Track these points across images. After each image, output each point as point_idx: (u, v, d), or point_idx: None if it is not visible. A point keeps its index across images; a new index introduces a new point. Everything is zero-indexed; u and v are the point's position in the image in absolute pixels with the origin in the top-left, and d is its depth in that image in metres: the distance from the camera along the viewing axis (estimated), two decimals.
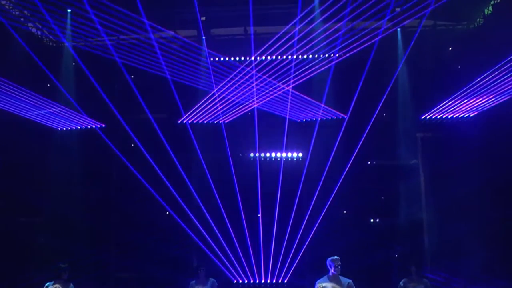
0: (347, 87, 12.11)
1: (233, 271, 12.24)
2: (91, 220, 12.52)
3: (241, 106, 12.76)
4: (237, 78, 12.45)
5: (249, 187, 12.33)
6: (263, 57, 12.32)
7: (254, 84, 12.22)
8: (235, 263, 12.24)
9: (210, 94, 12.55)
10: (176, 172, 12.43)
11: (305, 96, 12.44)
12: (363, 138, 11.97)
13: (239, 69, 12.34)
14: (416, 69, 12.32)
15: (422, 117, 12.65)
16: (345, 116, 12.21)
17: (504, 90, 11.06)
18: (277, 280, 12.17)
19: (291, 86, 12.11)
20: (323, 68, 12.16)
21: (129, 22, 12.12)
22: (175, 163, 12.49)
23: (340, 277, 7.97)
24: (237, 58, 12.90)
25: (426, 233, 12.56)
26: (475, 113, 12.15)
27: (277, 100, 12.50)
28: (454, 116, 12.49)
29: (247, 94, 12.47)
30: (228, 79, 12.44)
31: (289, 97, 12.19)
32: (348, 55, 12.03)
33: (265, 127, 12.48)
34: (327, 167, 12.08)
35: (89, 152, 13.31)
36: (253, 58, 12.11)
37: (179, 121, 12.78)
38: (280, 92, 12.37)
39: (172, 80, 12.20)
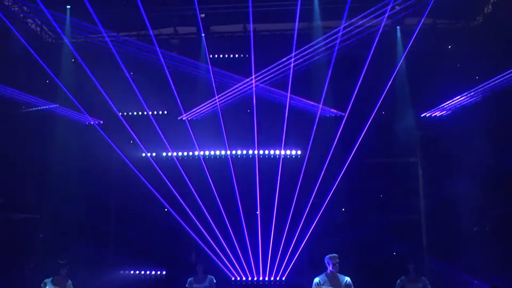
0: (346, 84, 12.09)
1: (231, 268, 12.25)
2: (90, 216, 12.51)
3: (240, 102, 12.80)
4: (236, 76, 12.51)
5: (247, 184, 12.32)
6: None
7: (253, 81, 12.22)
8: (234, 260, 12.25)
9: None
10: (174, 169, 12.44)
11: (304, 94, 12.47)
12: (361, 136, 11.98)
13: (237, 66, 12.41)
14: (415, 67, 12.31)
15: (422, 115, 12.66)
16: (344, 114, 12.21)
17: (503, 88, 11.08)
18: (275, 278, 12.19)
19: (290, 84, 12.10)
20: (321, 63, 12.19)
21: (128, 19, 12.15)
22: (173, 160, 12.50)
23: (338, 274, 7.97)
24: (236, 56, 12.92)
25: (424, 231, 12.59)
26: (475, 111, 12.15)
27: (276, 98, 12.52)
28: (454, 114, 12.49)
29: (246, 91, 12.49)
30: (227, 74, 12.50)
31: (288, 95, 12.19)
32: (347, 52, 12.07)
33: (264, 124, 12.46)
34: (326, 165, 12.08)
35: (87, 148, 13.31)
36: (252, 56, 12.11)
37: (178, 118, 12.77)
38: (278, 90, 12.41)
39: (171, 77, 12.20)
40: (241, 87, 12.46)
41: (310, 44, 12.04)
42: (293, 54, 11.96)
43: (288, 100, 12.23)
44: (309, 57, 12.34)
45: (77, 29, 12.23)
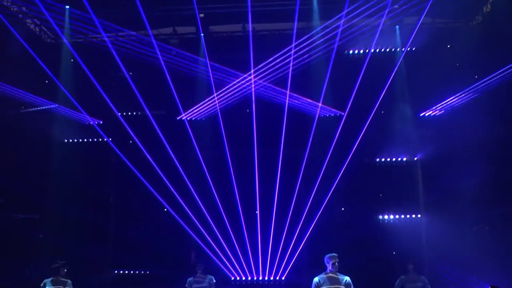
0: (346, 84, 12.09)
1: (231, 268, 12.26)
2: (90, 216, 12.52)
3: (239, 103, 12.81)
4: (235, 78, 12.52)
5: (247, 184, 12.33)
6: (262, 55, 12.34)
7: (252, 81, 12.23)
8: (233, 260, 12.26)
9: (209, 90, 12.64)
10: (174, 168, 12.44)
11: (303, 93, 12.48)
12: (361, 135, 11.99)
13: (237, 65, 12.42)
14: (414, 67, 12.31)
15: (421, 114, 12.66)
16: (343, 113, 12.22)
17: (502, 86, 11.08)
18: (274, 277, 12.20)
19: (289, 82, 12.11)
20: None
21: (128, 18, 12.15)
22: (173, 160, 12.50)
23: (337, 274, 7.98)
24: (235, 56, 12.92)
25: (424, 230, 12.60)
26: (474, 109, 12.15)
27: (276, 98, 12.53)
28: (453, 114, 12.49)
29: (245, 90, 12.50)
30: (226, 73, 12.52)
31: (287, 94, 12.20)
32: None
33: (264, 124, 12.46)
34: (325, 164, 12.08)
35: (87, 148, 13.34)
36: (251, 55, 12.11)
37: (177, 118, 12.77)
38: (278, 89, 12.43)
39: (171, 77, 12.21)
40: (240, 86, 12.46)
41: (309, 41, 12.06)
42: (292, 52, 11.95)
43: (287, 99, 12.24)
44: (308, 56, 12.36)
45: (76, 29, 12.24)
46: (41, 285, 8.92)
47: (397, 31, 12.38)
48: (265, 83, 12.36)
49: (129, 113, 13.35)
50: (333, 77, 12.01)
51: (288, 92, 12.16)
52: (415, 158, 12.91)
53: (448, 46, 12.68)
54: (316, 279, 7.97)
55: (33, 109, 12.10)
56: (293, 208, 12.15)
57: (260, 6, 11.78)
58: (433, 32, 12.22)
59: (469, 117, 11.94)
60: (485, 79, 11.05)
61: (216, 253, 12.21)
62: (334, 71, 11.97)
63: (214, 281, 9.97)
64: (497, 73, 10.66)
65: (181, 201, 12.29)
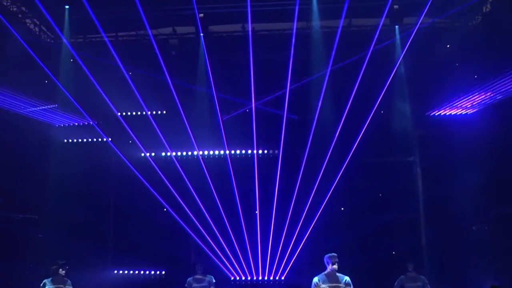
0: (345, 84, 12.09)
1: (230, 268, 12.26)
2: (90, 216, 12.53)
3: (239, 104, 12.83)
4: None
5: (246, 183, 12.33)
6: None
7: (251, 81, 12.24)
8: (233, 260, 12.26)
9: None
10: (173, 169, 12.44)
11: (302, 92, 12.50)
12: (360, 135, 11.98)
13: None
14: (414, 67, 12.30)
15: (420, 114, 12.65)
16: (343, 113, 12.22)
17: (502, 87, 11.06)
18: (274, 277, 12.20)
19: (288, 82, 12.11)
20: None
21: (128, 18, 12.15)
22: (172, 160, 12.51)
23: (337, 273, 7.99)
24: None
25: (423, 230, 12.60)
26: (473, 110, 12.15)
27: (275, 97, 12.54)
28: (452, 113, 12.50)
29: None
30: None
31: (287, 94, 12.20)
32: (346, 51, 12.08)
33: (263, 124, 12.46)
34: (325, 164, 12.08)
35: (87, 148, 13.34)
36: (250, 55, 12.11)
37: (177, 118, 12.77)
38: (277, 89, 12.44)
39: (170, 77, 12.21)
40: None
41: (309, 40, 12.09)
42: (292, 51, 11.95)
43: (287, 98, 12.24)
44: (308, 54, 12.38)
45: (76, 29, 12.23)
46: (41, 285, 8.94)
47: (397, 31, 12.36)
48: (265, 82, 12.38)
49: (129, 113, 13.35)
50: (333, 76, 12.01)
51: (287, 89, 12.15)
52: (415, 158, 12.90)
53: (448, 46, 12.66)
54: (315, 279, 7.98)
55: (33, 109, 12.08)
56: (293, 208, 12.15)
57: (259, 6, 11.75)
58: (433, 32, 12.20)
59: (469, 117, 11.95)
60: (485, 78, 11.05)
61: (216, 253, 12.21)
62: (334, 70, 11.96)
63: (214, 281, 9.97)
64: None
65: (180, 201, 12.29)
